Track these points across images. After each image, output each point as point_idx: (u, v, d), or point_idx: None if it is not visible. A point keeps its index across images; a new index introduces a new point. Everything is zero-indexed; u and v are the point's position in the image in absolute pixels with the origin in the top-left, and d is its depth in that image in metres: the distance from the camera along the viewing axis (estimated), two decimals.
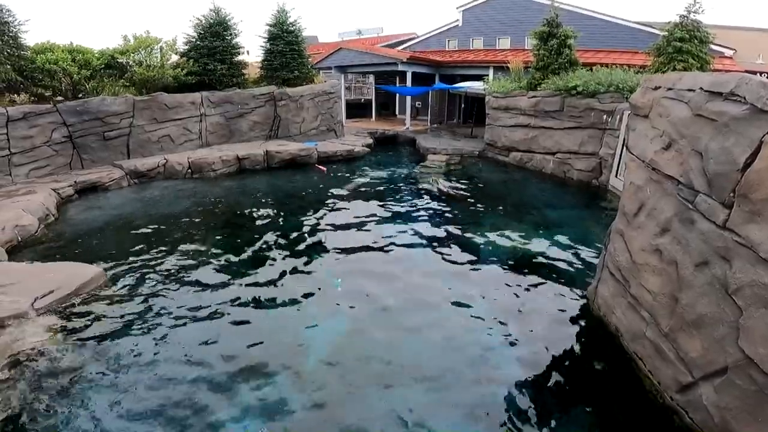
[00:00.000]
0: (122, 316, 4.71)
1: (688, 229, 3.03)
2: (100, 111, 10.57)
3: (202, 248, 6.66)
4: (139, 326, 4.53)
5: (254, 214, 8.43)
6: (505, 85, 13.45)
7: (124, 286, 5.37)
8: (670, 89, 3.56)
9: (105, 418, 3.28)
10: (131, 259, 6.22)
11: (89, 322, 4.55)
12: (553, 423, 3.34)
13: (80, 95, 10.83)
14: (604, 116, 10.18)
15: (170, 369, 3.88)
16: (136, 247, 6.61)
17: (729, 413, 2.59)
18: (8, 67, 9.58)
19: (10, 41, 9.80)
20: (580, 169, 10.83)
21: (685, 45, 9.76)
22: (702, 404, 2.80)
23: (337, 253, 6.58)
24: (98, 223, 7.82)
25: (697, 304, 2.89)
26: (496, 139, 13.63)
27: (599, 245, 6.41)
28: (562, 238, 7.07)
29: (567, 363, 4.08)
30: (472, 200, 9.54)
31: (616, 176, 9.56)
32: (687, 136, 3.13)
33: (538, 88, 12.14)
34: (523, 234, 7.32)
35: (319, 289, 5.47)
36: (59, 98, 10.57)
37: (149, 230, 7.46)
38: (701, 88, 3.04)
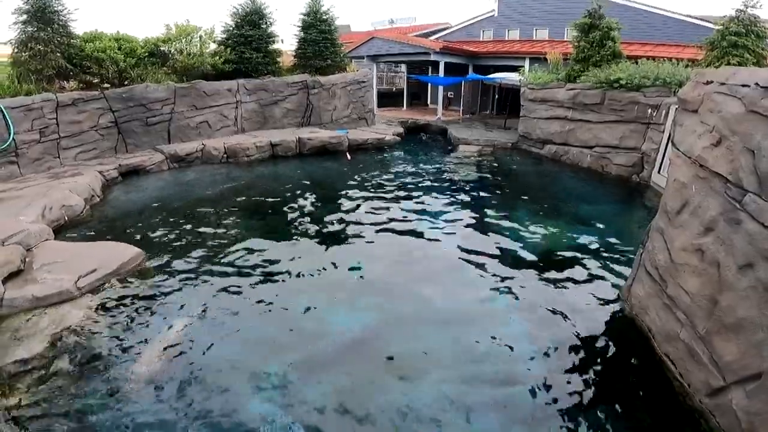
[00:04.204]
0: (158, 296, 4.94)
1: (734, 229, 2.91)
2: (143, 98, 11.02)
3: (236, 231, 6.89)
4: (174, 307, 4.74)
5: (285, 199, 8.63)
6: (542, 77, 13.08)
7: (162, 267, 5.64)
8: (723, 84, 3.39)
9: (140, 398, 3.44)
10: (169, 239, 6.52)
11: (128, 301, 4.79)
12: (576, 421, 3.31)
13: (125, 82, 11.27)
14: (649, 110, 9.81)
15: (201, 350, 4.04)
16: (174, 229, 6.92)
17: (758, 419, 2.54)
18: (58, 55, 10.06)
19: (60, 30, 10.26)
20: (619, 164, 10.47)
21: (740, 40, 9.29)
22: (731, 409, 2.76)
23: (363, 240, 6.66)
24: (139, 204, 8.21)
25: (737, 307, 2.80)
26: (531, 131, 13.33)
27: (636, 243, 6.23)
28: (597, 234, 6.89)
29: (595, 362, 4.02)
30: (504, 191, 9.39)
31: (658, 172, 9.20)
32: (739, 132, 2.99)
33: (578, 81, 11.78)
34: (556, 228, 7.18)
35: (344, 276, 5.55)
36: (106, 85, 11.05)
37: (187, 212, 7.78)
38: (757, 84, 2.88)
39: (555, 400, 3.50)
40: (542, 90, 12.74)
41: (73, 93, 10.12)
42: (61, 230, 6.67)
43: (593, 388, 3.68)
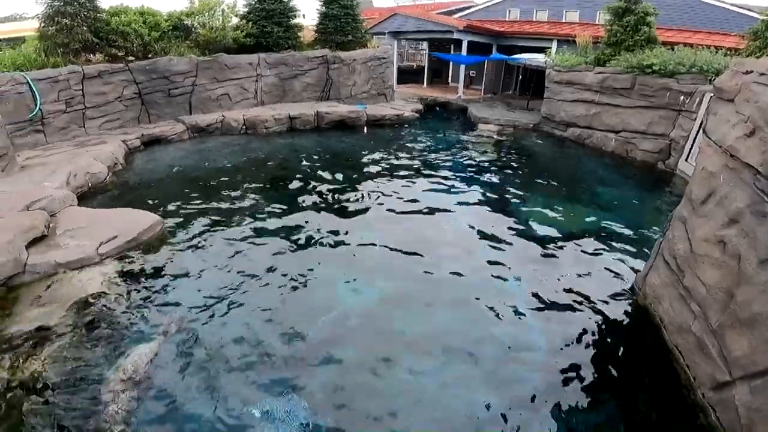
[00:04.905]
0: (176, 264, 5.08)
1: (760, 222, 2.81)
2: (166, 70, 11.17)
3: (252, 201, 6.99)
4: (191, 275, 4.87)
5: (302, 172, 8.70)
6: (570, 59, 12.67)
7: (180, 234, 5.79)
8: (763, 74, 3.25)
9: (158, 367, 3.54)
10: (188, 207, 6.67)
11: (147, 268, 4.93)
12: (579, 409, 3.32)
13: (149, 55, 11.38)
14: (682, 97, 9.44)
15: (214, 322, 4.13)
16: (193, 197, 7.06)
17: (758, 415, 2.54)
18: (84, 28, 10.20)
19: (87, 4, 10.39)
20: (645, 150, 10.15)
21: None
22: (733, 404, 2.76)
23: (377, 216, 6.67)
24: (160, 173, 8.39)
25: (754, 301, 2.73)
26: (554, 113, 12.98)
27: (655, 231, 6.08)
28: (616, 220, 6.73)
29: (603, 351, 3.99)
30: (523, 172, 9.23)
31: (686, 160, 8.89)
32: None
33: (607, 65, 11.38)
34: (574, 212, 7.05)
35: (357, 251, 5.58)
36: (130, 58, 11.17)
37: (205, 181, 7.93)
38: None
39: (561, 386, 3.50)
40: (569, 72, 12.33)
41: (99, 65, 10.28)
42: (84, 197, 6.88)
43: (599, 376, 3.67)
